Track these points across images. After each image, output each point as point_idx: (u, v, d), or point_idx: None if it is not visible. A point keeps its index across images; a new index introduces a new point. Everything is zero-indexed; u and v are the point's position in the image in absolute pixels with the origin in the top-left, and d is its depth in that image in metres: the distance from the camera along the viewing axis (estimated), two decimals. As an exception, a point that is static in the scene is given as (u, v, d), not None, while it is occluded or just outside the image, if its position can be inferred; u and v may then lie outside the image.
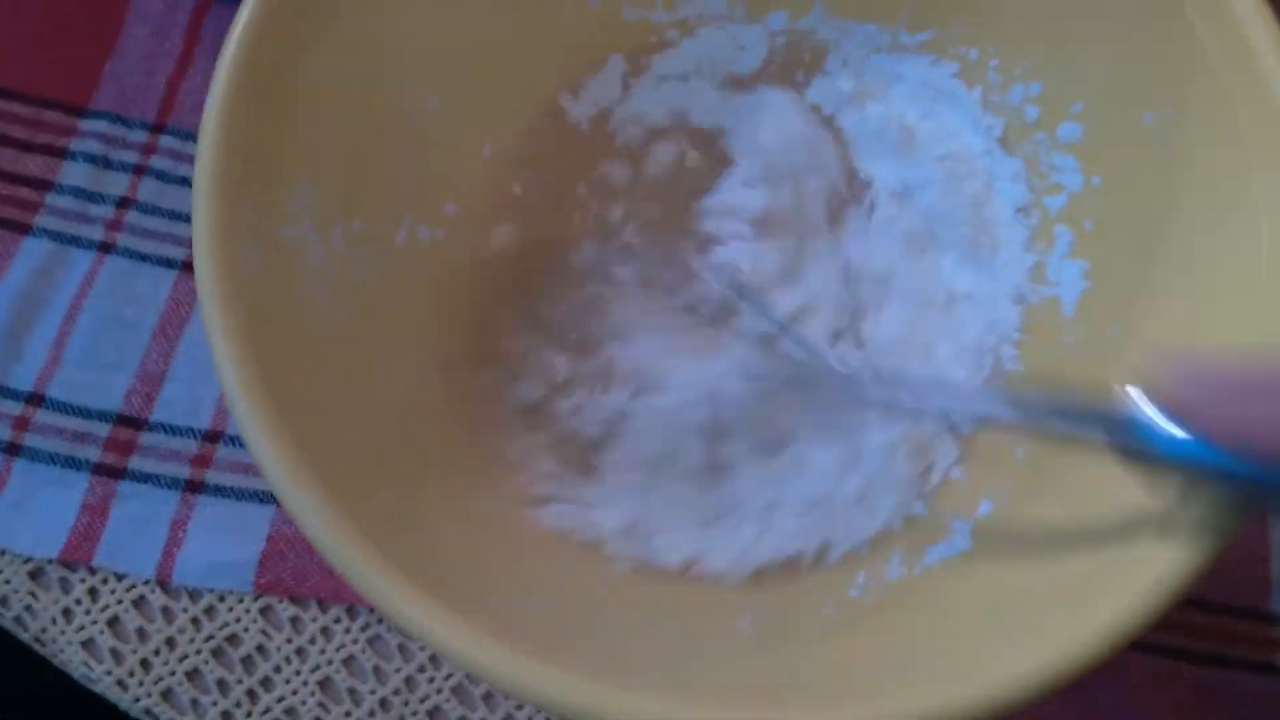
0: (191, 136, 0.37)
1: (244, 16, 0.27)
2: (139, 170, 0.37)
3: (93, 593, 0.32)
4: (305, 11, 0.27)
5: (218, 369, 0.23)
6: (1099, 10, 0.30)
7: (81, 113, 0.37)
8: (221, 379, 0.23)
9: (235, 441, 0.34)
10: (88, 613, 0.32)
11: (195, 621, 0.32)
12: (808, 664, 0.26)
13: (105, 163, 0.37)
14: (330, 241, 0.29)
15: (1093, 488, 0.27)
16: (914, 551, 0.29)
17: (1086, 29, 0.30)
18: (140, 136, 0.37)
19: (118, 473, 0.33)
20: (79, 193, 0.36)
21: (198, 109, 0.37)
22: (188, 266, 0.35)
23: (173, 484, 0.33)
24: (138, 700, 0.31)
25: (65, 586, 0.32)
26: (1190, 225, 0.28)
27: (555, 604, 0.27)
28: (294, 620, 0.32)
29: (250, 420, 0.23)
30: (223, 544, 0.32)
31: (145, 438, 0.33)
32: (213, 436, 0.34)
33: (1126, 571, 0.22)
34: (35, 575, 0.32)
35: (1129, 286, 0.29)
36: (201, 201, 0.25)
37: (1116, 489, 0.24)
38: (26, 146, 0.37)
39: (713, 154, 0.35)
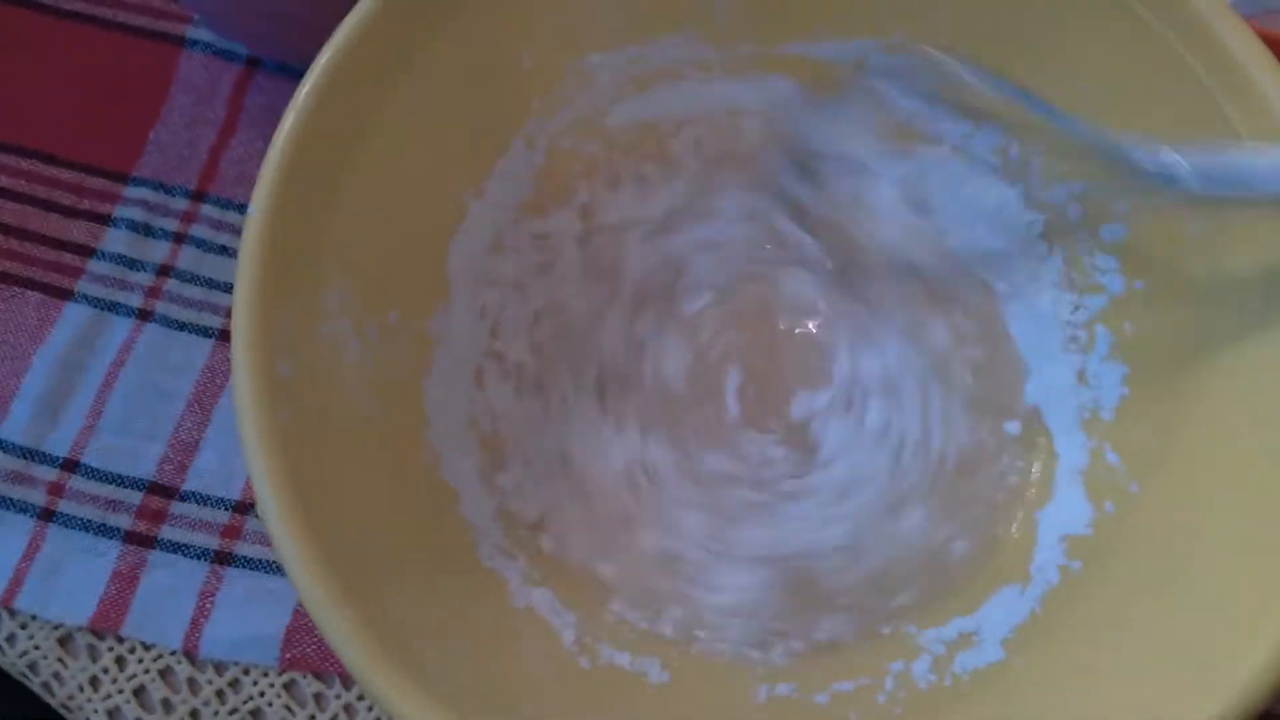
0: (231, 205, 0.38)
1: (288, 123, 0.27)
2: (179, 238, 0.37)
3: (120, 661, 0.32)
4: (348, 115, 0.28)
5: (254, 483, 0.24)
6: (1142, 111, 0.30)
7: (126, 179, 0.38)
8: (259, 500, 0.24)
9: (265, 514, 0.34)
10: (114, 681, 0.32)
11: (220, 694, 0.32)
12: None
13: (147, 230, 0.37)
14: (366, 334, 0.29)
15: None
16: (944, 657, 0.29)
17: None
18: (181, 204, 0.38)
19: (149, 541, 0.33)
20: (120, 259, 0.37)
21: (238, 179, 0.38)
22: (224, 335, 0.36)
23: (202, 555, 0.33)
24: (161, 772, 0.32)
25: (93, 654, 0.32)
26: (1233, 334, 0.28)
27: None
28: (318, 696, 0.32)
29: (287, 546, 0.23)
30: (249, 617, 0.33)
31: (176, 507, 0.34)
32: (243, 508, 0.34)
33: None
34: (64, 642, 0.33)
35: (1169, 393, 0.29)
36: (242, 311, 0.25)
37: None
38: (71, 212, 0.37)
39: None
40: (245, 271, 0.25)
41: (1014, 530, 0.32)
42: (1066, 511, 0.31)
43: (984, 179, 0.34)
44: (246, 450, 0.24)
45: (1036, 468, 0.32)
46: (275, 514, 0.23)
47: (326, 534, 0.23)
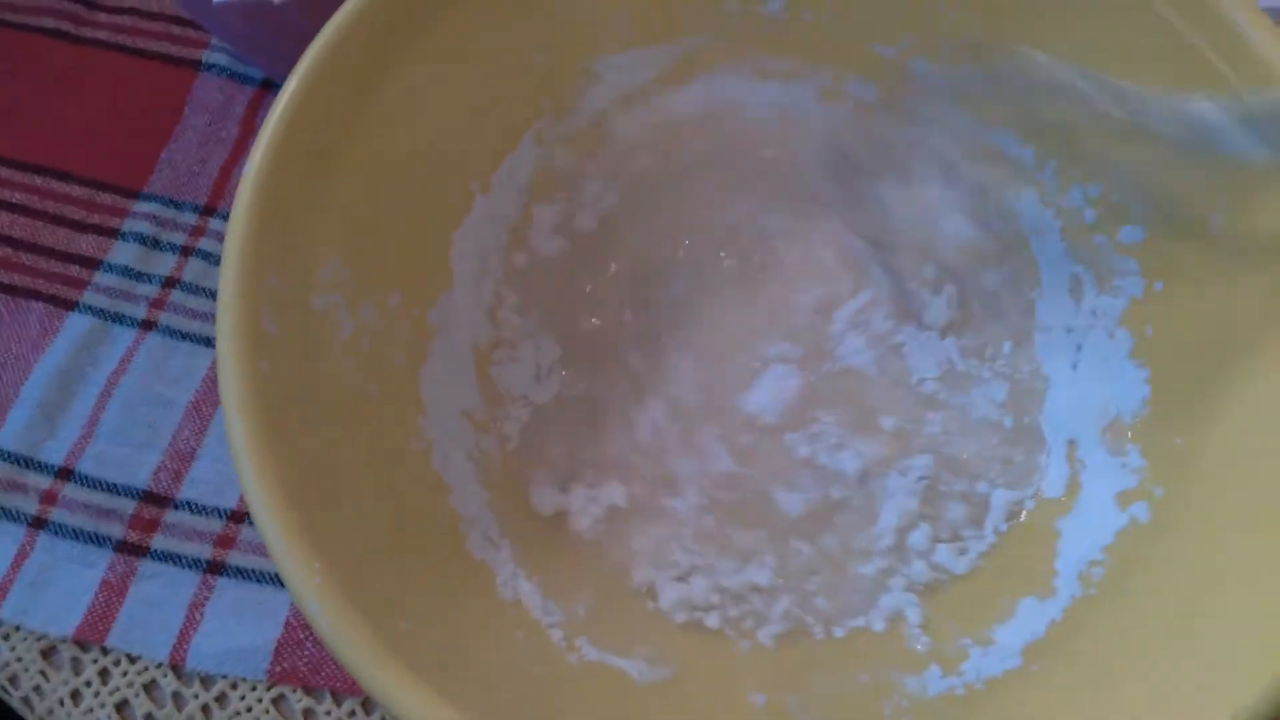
0: (240, 220, 0.38)
1: (290, 87, 0.27)
2: (186, 251, 0.37)
3: (104, 674, 0.31)
4: (344, 96, 0.27)
5: (229, 434, 0.23)
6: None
7: (136, 195, 0.38)
8: (234, 453, 0.23)
9: (260, 522, 0.33)
10: (96, 694, 0.31)
11: (206, 709, 0.31)
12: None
13: (154, 243, 0.37)
14: (360, 314, 0.28)
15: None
16: (953, 662, 0.27)
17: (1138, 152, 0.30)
18: (190, 219, 0.38)
19: (140, 551, 0.32)
20: (126, 271, 0.37)
21: (248, 194, 0.38)
22: (226, 345, 0.35)
23: (194, 564, 0.32)
24: (140, 792, 0.30)
25: (76, 667, 0.31)
26: (1256, 335, 0.27)
27: None
28: (307, 712, 0.31)
29: (268, 518, 0.22)
30: (239, 629, 0.31)
31: (170, 516, 0.33)
32: (238, 517, 0.33)
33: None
34: (48, 654, 0.31)
35: (1192, 396, 0.28)
36: (230, 263, 0.24)
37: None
38: (80, 226, 0.38)
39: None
40: (238, 223, 0.25)
41: (1035, 539, 0.30)
42: (1091, 518, 0.29)
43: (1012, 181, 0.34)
44: (224, 396, 0.23)
45: (1062, 474, 0.31)
46: (251, 466, 0.22)
47: (306, 496, 0.22)
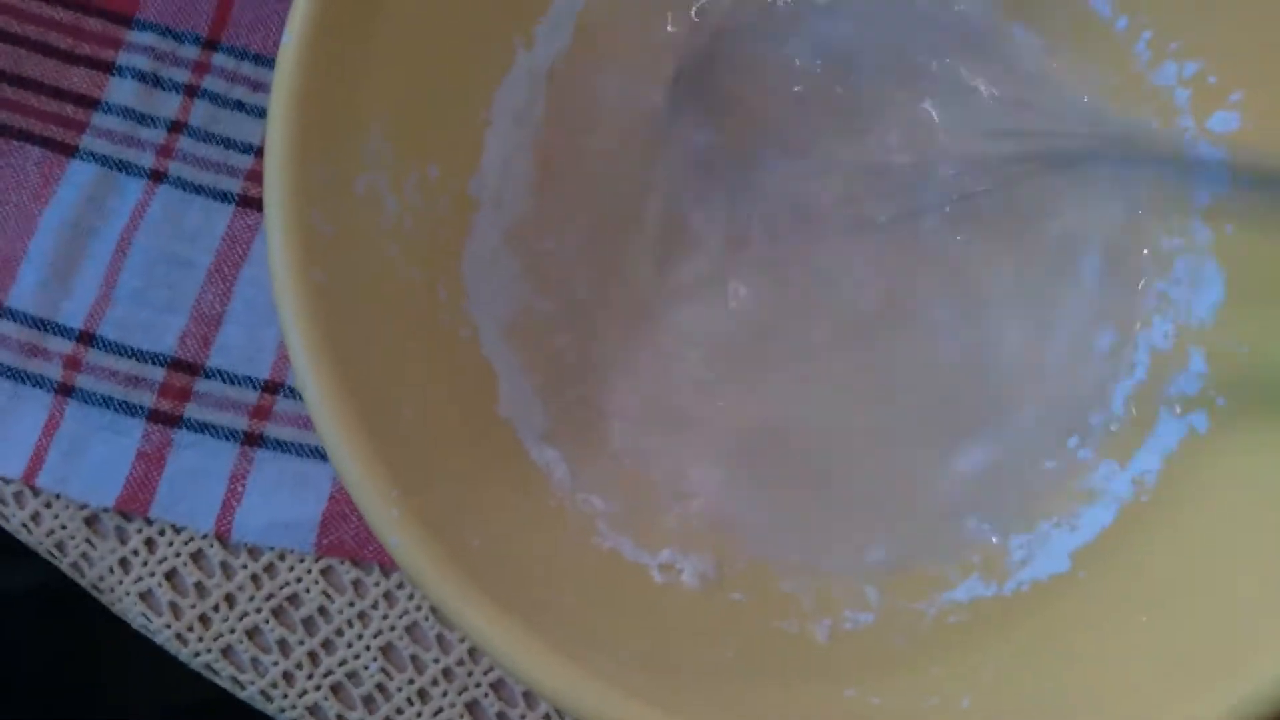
0: (247, 56, 0.34)
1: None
2: (191, 91, 0.34)
3: (150, 544, 0.31)
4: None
5: (290, 349, 0.21)
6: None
7: (128, 22, 0.34)
8: (296, 369, 0.21)
9: (296, 394, 0.32)
10: (145, 564, 0.31)
11: (255, 579, 0.31)
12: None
13: (155, 81, 0.34)
14: (404, 192, 0.26)
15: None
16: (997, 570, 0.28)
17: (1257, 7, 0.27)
18: (192, 53, 0.34)
19: (174, 420, 0.32)
20: (128, 113, 0.34)
21: (254, 25, 0.35)
22: (244, 201, 0.33)
23: (231, 436, 0.32)
24: (197, 655, 0.31)
25: (121, 536, 0.31)
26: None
27: (622, 620, 0.25)
28: (356, 584, 0.31)
29: (323, 409, 0.21)
30: (283, 502, 0.31)
31: (201, 384, 0.32)
32: (272, 387, 0.32)
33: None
34: (90, 522, 0.31)
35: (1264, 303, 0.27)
36: (275, 163, 0.22)
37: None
38: (70, 58, 0.34)
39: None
40: (280, 109, 0.22)
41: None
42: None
43: None
44: (282, 316, 0.22)
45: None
46: (315, 387, 0.21)
47: (368, 411, 0.22)
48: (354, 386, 0.22)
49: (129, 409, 0.32)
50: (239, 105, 0.34)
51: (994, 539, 0.28)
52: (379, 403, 0.22)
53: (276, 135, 0.22)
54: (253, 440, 0.32)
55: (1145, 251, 0.30)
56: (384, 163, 0.26)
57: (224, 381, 0.32)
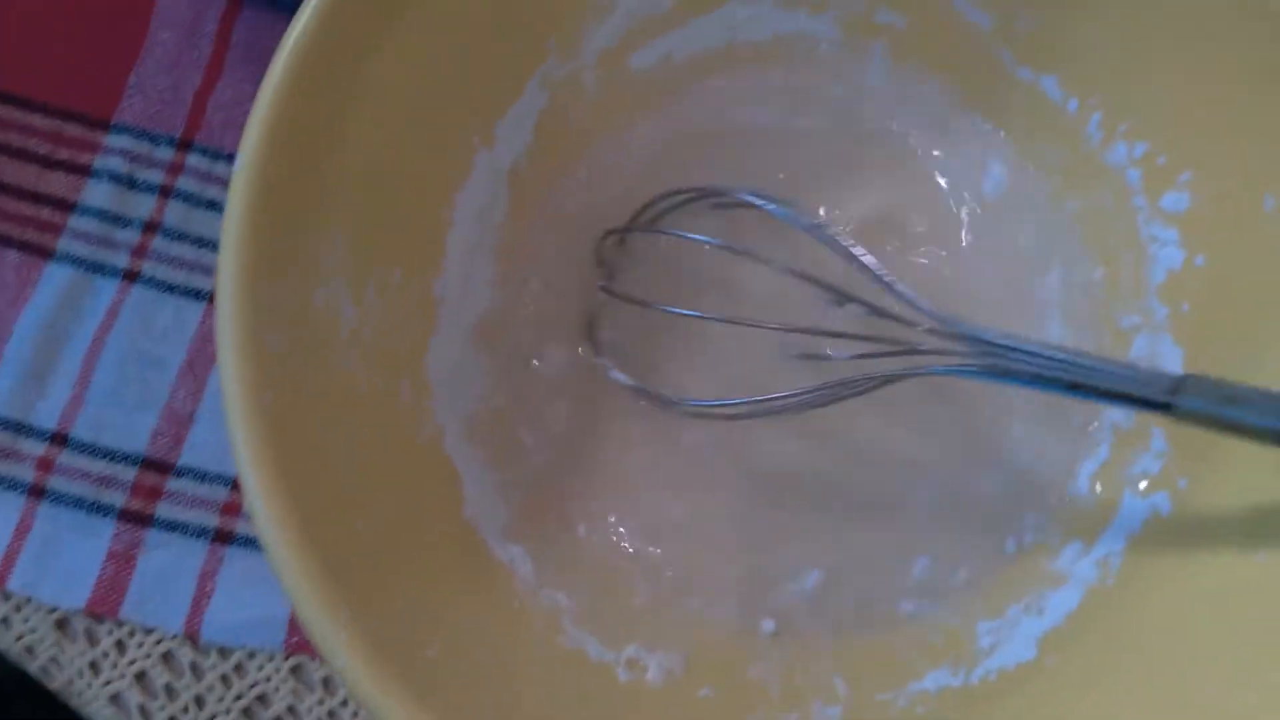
0: (220, 155, 0.35)
1: (278, 66, 0.24)
2: (165, 192, 0.35)
3: (120, 645, 0.31)
4: (346, 57, 0.25)
5: (240, 472, 0.22)
6: (1218, 66, 0.27)
7: (106, 127, 0.35)
8: (247, 495, 0.22)
9: (266, 490, 0.32)
10: (115, 666, 0.31)
11: (225, 679, 0.31)
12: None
13: (130, 183, 0.35)
14: (365, 299, 0.27)
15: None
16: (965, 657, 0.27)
17: (1206, 88, 0.27)
18: (167, 154, 0.35)
19: (145, 520, 0.32)
20: (104, 215, 0.34)
21: (226, 125, 0.35)
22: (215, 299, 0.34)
23: (201, 533, 0.32)
24: (166, 758, 0.30)
25: (92, 638, 0.31)
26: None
27: None
28: (325, 681, 0.31)
29: (271, 534, 0.21)
30: (253, 599, 0.31)
31: (172, 483, 0.32)
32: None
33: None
34: (61, 625, 0.31)
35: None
36: (226, 291, 0.23)
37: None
38: (48, 163, 0.35)
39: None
40: (231, 236, 0.23)
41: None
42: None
43: None
44: (233, 440, 0.22)
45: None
46: (264, 513, 0.21)
47: (319, 534, 0.22)
48: (305, 509, 0.22)
49: (100, 509, 0.32)
50: (211, 205, 0.35)
51: (956, 621, 0.28)
52: (331, 522, 0.22)
53: (228, 263, 0.23)
54: (223, 537, 0.32)
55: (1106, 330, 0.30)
56: (344, 272, 0.26)
57: (195, 479, 0.32)
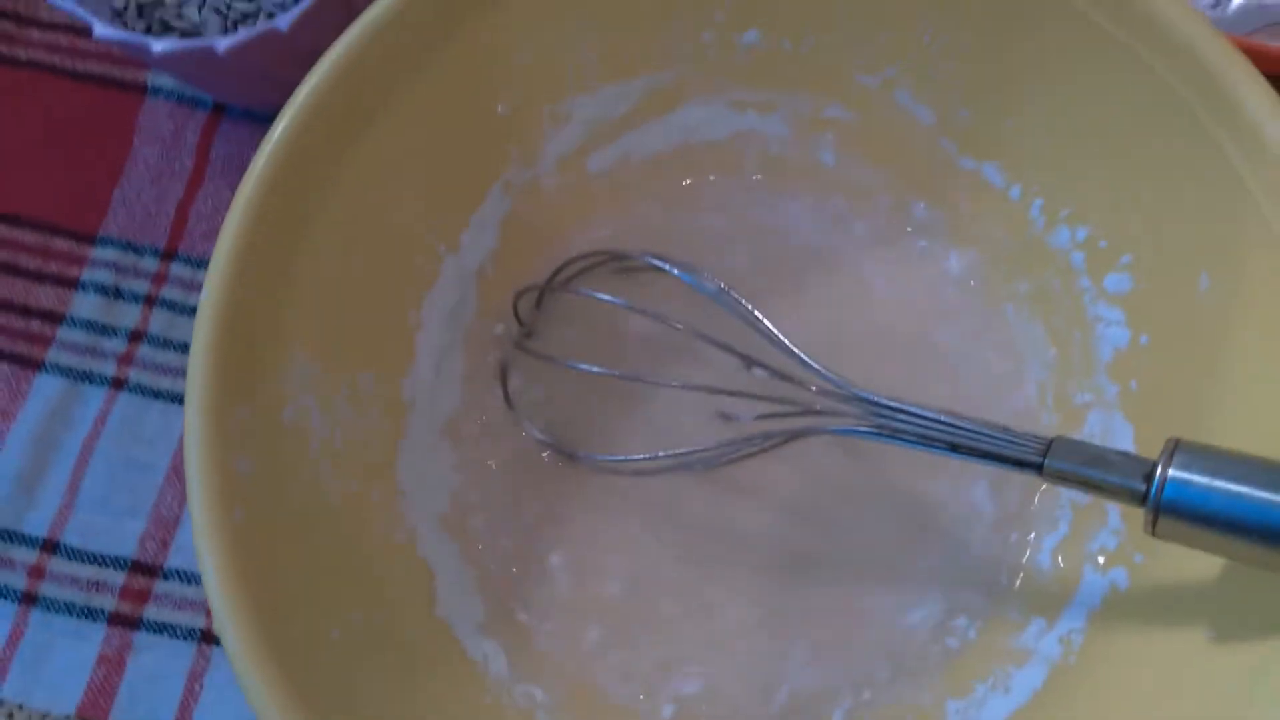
0: (203, 263, 0.36)
1: (245, 191, 0.26)
2: (150, 301, 0.36)
3: (111, 749, 0.32)
4: (301, 188, 0.26)
5: (207, 593, 0.23)
6: (1147, 156, 0.28)
7: (92, 240, 0.37)
8: (212, 607, 0.23)
9: (250, 590, 0.33)
10: (106, 770, 0.32)
11: (214, 779, 0.31)
12: None
13: (116, 293, 0.36)
14: (334, 408, 0.28)
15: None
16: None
17: (1138, 175, 0.28)
18: (151, 265, 0.36)
19: (134, 623, 0.33)
20: (91, 325, 0.36)
21: (208, 235, 0.37)
22: (200, 403, 0.35)
23: (188, 634, 0.33)
24: None
25: (83, 743, 0.32)
26: (1244, 401, 0.26)
27: None
28: (312, 779, 0.31)
29: (239, 652, 0.22)
30: (241, 699, 0.32)
31: (160, 586, 0.33)
32: (228, 585, 0.33)
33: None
34: (53, 731, 0.32)
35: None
36: (193, 419, 0.24)
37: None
38: (37, 277, 0.36)
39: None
40: (197, 367, 0.24)
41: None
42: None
43: None
44: (201, 560, 0.23)
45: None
46: (232, 632, 0.22)
47: (286, 650, 0.23)
48: (272, 625, 0.23)
49: (90, 614, 0.33)
50: (195, 311, 0.36)
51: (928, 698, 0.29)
52: (302, 635, 0.23)
53: (194, 394, 0.24)
54: (210, 638, 0.33)
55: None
56: (312, 385, 0.27)
57: (181, 581, 0.33)
